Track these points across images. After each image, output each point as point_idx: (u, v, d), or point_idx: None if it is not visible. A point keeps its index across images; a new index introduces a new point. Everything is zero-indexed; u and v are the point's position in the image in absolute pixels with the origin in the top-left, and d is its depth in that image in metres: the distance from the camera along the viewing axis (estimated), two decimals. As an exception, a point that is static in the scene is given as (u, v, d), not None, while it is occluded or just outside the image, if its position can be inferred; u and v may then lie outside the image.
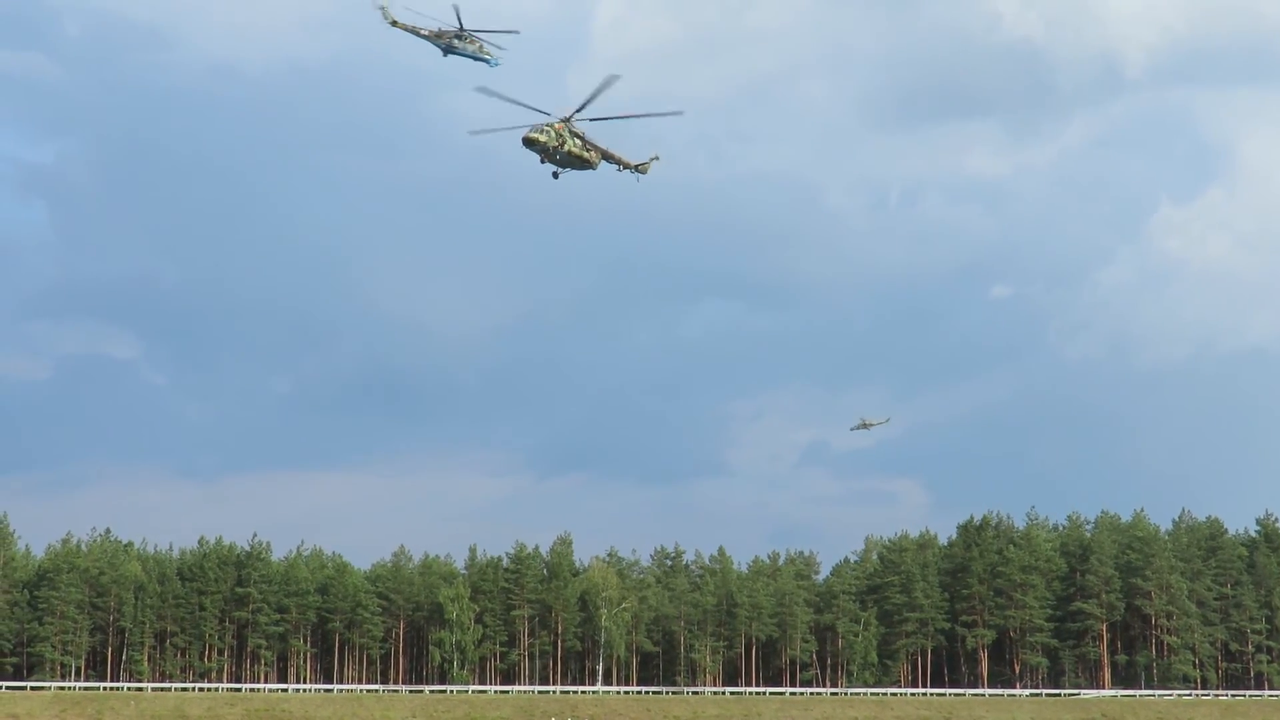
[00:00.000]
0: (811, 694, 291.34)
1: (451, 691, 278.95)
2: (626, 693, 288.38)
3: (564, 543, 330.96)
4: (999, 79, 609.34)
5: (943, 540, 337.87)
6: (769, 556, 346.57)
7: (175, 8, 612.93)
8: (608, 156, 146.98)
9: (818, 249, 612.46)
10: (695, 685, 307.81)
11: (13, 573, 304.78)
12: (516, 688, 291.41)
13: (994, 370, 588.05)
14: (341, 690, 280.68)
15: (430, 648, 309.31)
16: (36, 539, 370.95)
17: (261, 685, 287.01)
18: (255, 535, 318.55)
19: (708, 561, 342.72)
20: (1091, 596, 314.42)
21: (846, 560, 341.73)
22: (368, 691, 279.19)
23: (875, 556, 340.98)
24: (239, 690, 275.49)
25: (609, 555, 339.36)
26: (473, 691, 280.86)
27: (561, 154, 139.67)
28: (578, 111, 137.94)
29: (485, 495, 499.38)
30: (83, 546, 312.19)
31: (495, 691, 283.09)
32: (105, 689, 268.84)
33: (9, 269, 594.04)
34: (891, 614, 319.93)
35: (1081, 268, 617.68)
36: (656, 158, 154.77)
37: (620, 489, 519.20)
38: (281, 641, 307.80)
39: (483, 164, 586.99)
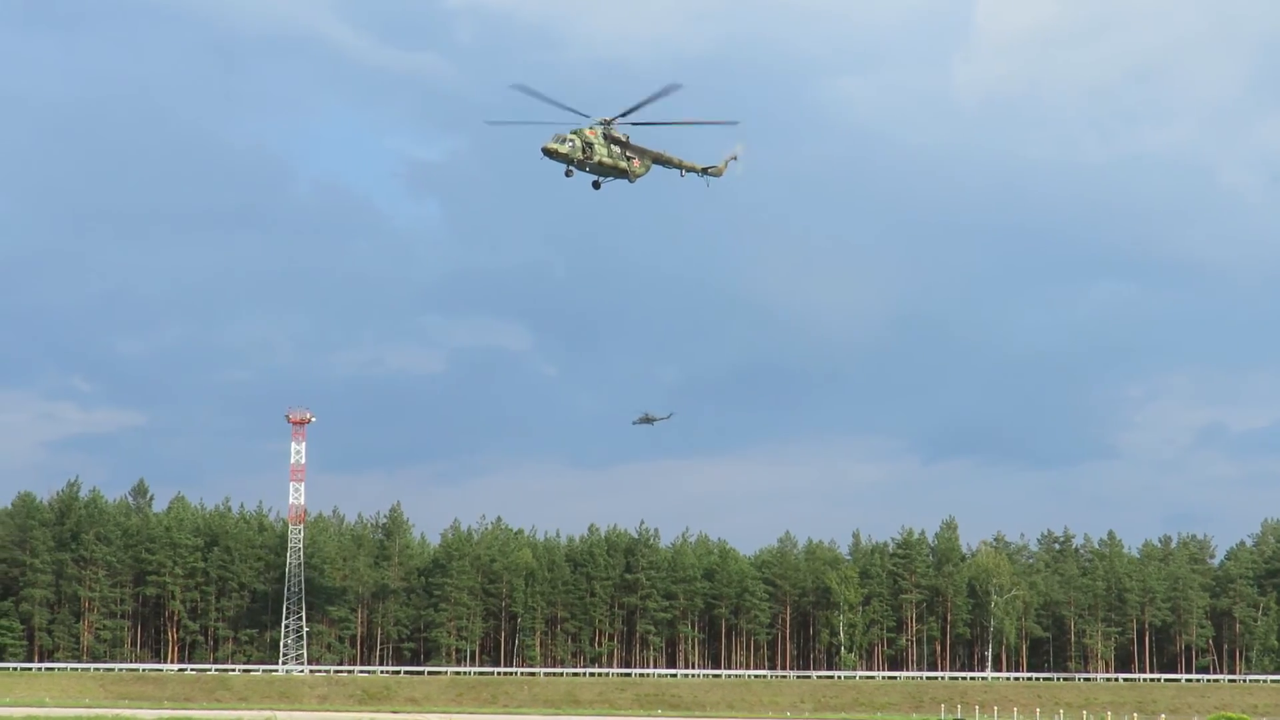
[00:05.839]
0: (1208, 681, 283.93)
1: (839, 677, 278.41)
2: (1016, 679, 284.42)
3: (950, 527, 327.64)
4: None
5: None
6: (1160, 540, 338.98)
7: (563, 8, 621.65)
8: (663, 161, 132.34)
9: (1213, 228, 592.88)
10: (1087, 672, 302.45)
11: (408, 560, 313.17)
12: (904, 673, 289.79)
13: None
14: (729, 676, 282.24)
15: (819, 629, 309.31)
16: (431, 528, 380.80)
17: (650, 670, 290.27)
18: (643, 522, 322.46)
19: (1097, 546, 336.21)
20: None
21: (1242, 544, 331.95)
22: (755, 677, 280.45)
23: (1274, 539, 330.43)
24: (629, 675, 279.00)
25: (996, 540, 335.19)
26: (860, 677, 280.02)
27: (591, 164, 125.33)
28: (622, 115, 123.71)
29: (869, 480, 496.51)
30: (475, 534, 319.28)
31: (883, 677, 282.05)
32: (499, 674, 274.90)
33: (404, 264, 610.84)
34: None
35: None
36: (735, 156, 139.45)
37: (1007, 472, 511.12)
38: (670, 627, 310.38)
39: (867, 146, 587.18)
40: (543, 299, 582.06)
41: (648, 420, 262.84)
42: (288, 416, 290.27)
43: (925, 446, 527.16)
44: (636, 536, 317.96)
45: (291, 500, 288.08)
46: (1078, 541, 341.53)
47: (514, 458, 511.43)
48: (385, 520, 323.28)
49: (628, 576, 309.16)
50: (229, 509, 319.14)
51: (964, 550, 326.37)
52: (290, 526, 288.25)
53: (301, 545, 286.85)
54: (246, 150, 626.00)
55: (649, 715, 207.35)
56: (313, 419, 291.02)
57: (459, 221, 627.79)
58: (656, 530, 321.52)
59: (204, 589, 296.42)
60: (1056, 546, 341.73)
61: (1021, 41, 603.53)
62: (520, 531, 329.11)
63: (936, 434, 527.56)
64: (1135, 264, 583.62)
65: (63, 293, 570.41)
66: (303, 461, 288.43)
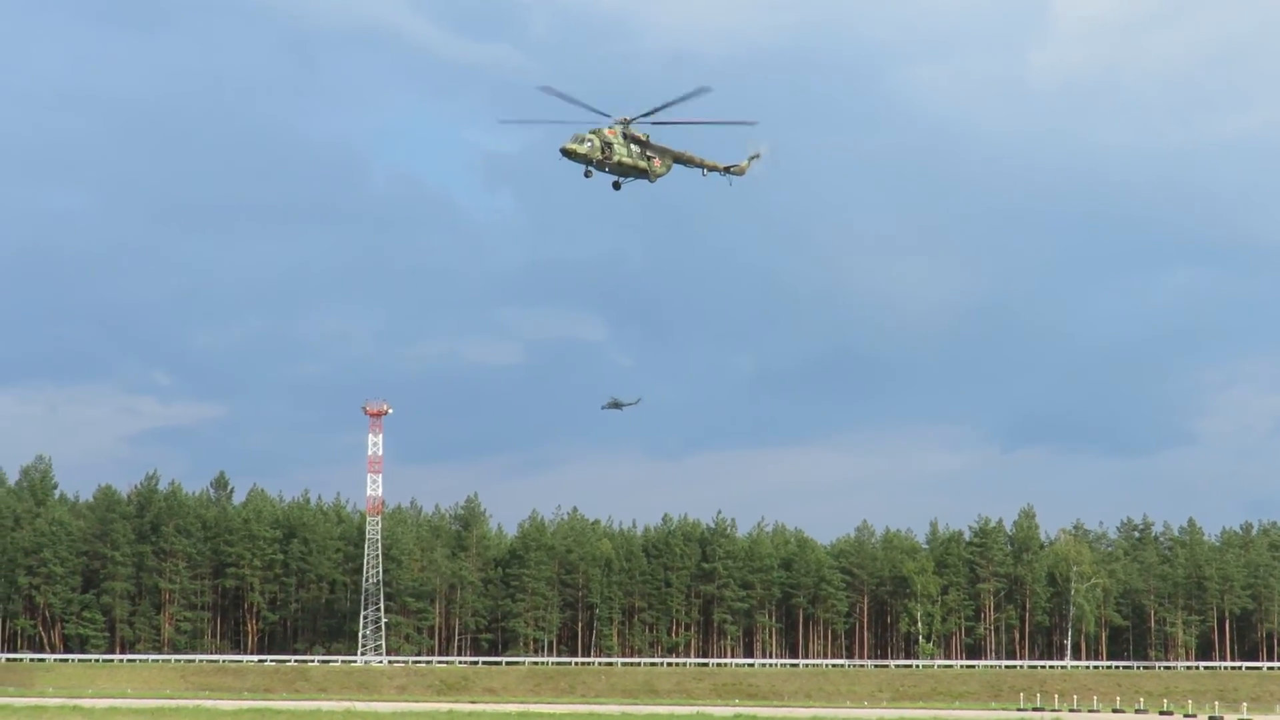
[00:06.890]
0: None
1: (917, 666, 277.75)
2: (1096, 667, 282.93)
3: (1028, 516, 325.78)
4: None
5: None
6: (1241, 528, 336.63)
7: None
8: (684, 160, 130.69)
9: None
10: (1167, 660, 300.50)
11: (485, 551, 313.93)
12: (983, 662, 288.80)
13: None
14: (807, 665, 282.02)
15: (897, 618, 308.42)
16: (508, 518, 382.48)
17: (728, 660, 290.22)
18: (719, 512, 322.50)
19: (1177, 533, 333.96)
20: None
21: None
22: (833, 666, 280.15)
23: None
24: (706, 665, 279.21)
25: (1074, 528, 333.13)
26: (938, 666, 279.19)
27: (611, 164, 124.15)
28: (643, 115, 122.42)
29: (947, 469, 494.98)
30: (551, 525, 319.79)
31: (961, 666, 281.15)
32: (577, 664, 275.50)
33: (479, 256, 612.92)
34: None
35: None
36: (757, 155, 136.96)
37: (1085, 460, 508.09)
38: (747, 617, 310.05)
39: (942, 135, 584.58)
40: (618, 289, 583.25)
41: (615, 405, 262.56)
42: (365, 408, 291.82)
43: (1003, 435, 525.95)
44: (713, 526, 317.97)
45: (369, 492, 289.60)
46: (1157, 529, 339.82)
47: (590, 448, 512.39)
48: (462, 511, 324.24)
49: (705, 566, 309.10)
50: (307, 501, 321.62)
51: (1043, 539, 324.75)
52: (368, 518, 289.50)
53: (379, 537, 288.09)
54: (323, 144, 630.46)
55: (727, 704, 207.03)
56: (390, 411, 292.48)
57: (534, 213, 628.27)
58: (733, 520, 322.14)
59: (283, 580, 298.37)
60: (1136, 534, 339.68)
61: (1098, 27, 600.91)
62: (597, 522, 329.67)
63: (1014, 422, 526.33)
64: (1213, 250, 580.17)
65: (142, 287, 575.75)
66: (380, 453, 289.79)
